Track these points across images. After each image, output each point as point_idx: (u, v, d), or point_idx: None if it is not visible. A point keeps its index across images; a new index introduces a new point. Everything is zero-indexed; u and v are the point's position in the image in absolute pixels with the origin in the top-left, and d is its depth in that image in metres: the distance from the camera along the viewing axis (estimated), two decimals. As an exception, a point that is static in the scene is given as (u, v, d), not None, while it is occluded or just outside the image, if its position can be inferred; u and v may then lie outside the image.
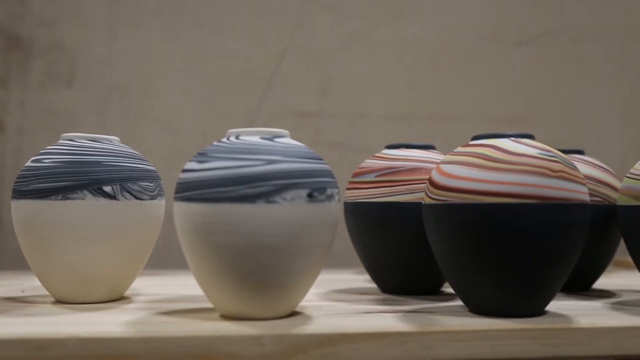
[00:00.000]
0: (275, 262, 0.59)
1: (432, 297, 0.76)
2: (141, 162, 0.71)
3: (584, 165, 0.78)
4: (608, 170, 0.79)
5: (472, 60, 1.21)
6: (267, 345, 0.56)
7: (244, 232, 0.58)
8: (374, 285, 0.84)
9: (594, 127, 1.22)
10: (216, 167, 0.59)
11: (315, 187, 0.59)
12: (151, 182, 0.70)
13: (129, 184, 0.68)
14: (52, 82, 1.11)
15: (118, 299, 0.72)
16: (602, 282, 0.88)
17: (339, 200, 0.63)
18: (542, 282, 0.62)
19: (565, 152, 0.81)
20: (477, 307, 0.65)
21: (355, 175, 0.78)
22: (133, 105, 1.13)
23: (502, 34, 1.21)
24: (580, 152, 0.82)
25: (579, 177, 0.63)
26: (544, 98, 1.22)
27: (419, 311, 0.67)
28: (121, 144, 0.72)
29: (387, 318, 0.63)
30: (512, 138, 0.64)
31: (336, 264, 1.04)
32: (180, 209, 0.60)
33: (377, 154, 0.79)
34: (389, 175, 0.75)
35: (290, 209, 0.58)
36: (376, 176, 0.76)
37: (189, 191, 0.59)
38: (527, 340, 0.59)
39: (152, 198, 0.70)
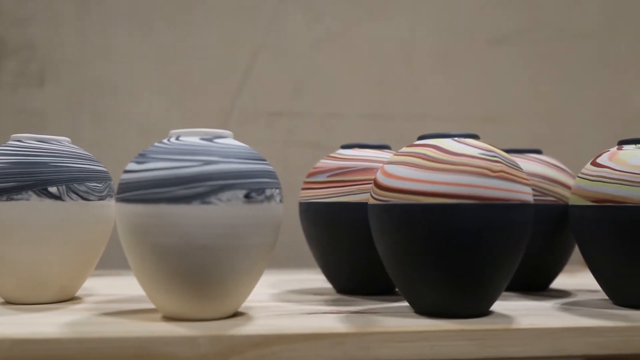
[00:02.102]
0: (212, 263, 0.58)
1: (385, 297, 0.76)
2: (90, 162, 0.70)
3: (540, 165, 0.78)
4: (564, 170, 0.79)
5: (446, 59, 1.20)
6: (203, 346, 0.56)
7: (180, 233, 0.58)
8: (331, 285, 0.83)
9: (569, 126, 1.21)
10: (153, 168, 0.59)
11: (253, 187, 0.59)
12: (100, 183, 0.70)
13: (75, 185, 0.68)
14: (24, 82, 1.11)
15: (68, 299, 0.72)
16: (564, 282, 0.88)
17: (280, 201, 0.63)
18: (483, 283, 0.62)
19: (522, 151, 0.81)
20: (421, 308, 0.65)
21: (310, 175, 0.78)
22: (105, 105, 1.13)
23: (476, 33, 1.21)
24: (538, 152, 0.82)
25: (520, 177, 0.63)
26: (519, 97, 1.21)
27: (365, 312, 0.67)
28: (71, 145, 0.72)
29: (328, 319, 0.63)
30: (455, 138, 0.64)
31: (301, 264, 1.04)
32: (120, 209, 0.60)
33: (331, 154, 0.79)
34: (340, 175, 0.75)
35: (226, 209, 0.58)
36: (328, 176, 0.76)
37: (128, 192, 0.59)
38: (466, 341, 0.59)
39: (101, 199, 0.70)
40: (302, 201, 0.78)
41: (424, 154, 0.62)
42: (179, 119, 1.13)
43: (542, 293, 0.80)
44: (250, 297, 0.73)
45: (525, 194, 0.62)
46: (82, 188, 0.68)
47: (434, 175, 0.60)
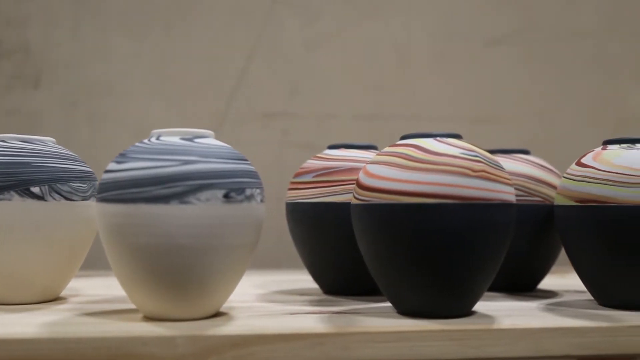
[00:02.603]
0: (191, 263, 0.58)
1: (370, 297, 0.75)
2: (74, 162, 0.71)
3: (526, 165, 0.78)
4: (550, 170, 0.79)
5: (442, 60, 1.20)
6: (181, 346, 0.56)
7: (159, 233, 0.57)
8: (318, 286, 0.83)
9: (563, 127, 1.21)
10: (132, 168, 0.59)
11: (232, 187, 0.59)
12: (84, 183, 0.70)
13: (58, 185, 0.68)
14: (18, 83, 1.11)
15: (52, 300, 0.72)
16: (552, 282, 0.87)
17: (261, 201, 0.63)
18: (464, 283, 0.62)
19: (509, 151, 0.80)
20: (403, 308, 0.64)
21: (296, 175, 0.78)
22: (100, 106, 1.13)
23: (471, 34, 1.20)
24: (525, 152, 0.81)
25: (502, 177, 0.62)
26: (515, 98, 1.21)
27: (348, 312, 0.66)
28: (55, 145, 0.72)
29: (309, 319, 0.62)
30: (437, 138, 0.64)
31: (293, 264, 1.03)
32: (99, 209, 0.60)
33: (317, 155, 0.79)
34: (326, 176, 0.75)
35: (205, 209, 0.58)
36: (314, 176, 0.75)
37: (107, 192, 0.59)
38: (446, 341, 0.59)
39: (84, 199, 0.70)
40: (288, 201, 0.78)
41: (406, 154, 0.62)
42: (175, 121, 1.13)
43: (529, 293, 0.79)
44: (235, 297, 0.73)
45: (507, 194, 0.62)
46: (65, 188, 0.68)
47: (415, 175, 0.60)
